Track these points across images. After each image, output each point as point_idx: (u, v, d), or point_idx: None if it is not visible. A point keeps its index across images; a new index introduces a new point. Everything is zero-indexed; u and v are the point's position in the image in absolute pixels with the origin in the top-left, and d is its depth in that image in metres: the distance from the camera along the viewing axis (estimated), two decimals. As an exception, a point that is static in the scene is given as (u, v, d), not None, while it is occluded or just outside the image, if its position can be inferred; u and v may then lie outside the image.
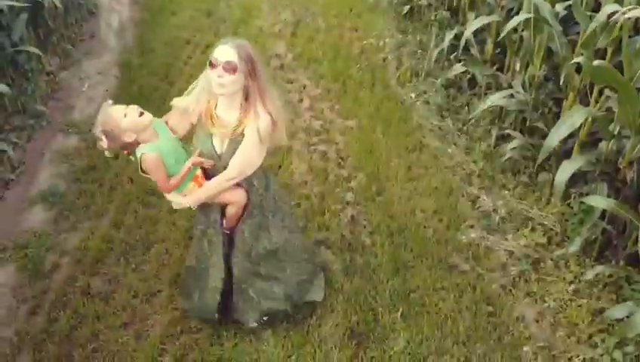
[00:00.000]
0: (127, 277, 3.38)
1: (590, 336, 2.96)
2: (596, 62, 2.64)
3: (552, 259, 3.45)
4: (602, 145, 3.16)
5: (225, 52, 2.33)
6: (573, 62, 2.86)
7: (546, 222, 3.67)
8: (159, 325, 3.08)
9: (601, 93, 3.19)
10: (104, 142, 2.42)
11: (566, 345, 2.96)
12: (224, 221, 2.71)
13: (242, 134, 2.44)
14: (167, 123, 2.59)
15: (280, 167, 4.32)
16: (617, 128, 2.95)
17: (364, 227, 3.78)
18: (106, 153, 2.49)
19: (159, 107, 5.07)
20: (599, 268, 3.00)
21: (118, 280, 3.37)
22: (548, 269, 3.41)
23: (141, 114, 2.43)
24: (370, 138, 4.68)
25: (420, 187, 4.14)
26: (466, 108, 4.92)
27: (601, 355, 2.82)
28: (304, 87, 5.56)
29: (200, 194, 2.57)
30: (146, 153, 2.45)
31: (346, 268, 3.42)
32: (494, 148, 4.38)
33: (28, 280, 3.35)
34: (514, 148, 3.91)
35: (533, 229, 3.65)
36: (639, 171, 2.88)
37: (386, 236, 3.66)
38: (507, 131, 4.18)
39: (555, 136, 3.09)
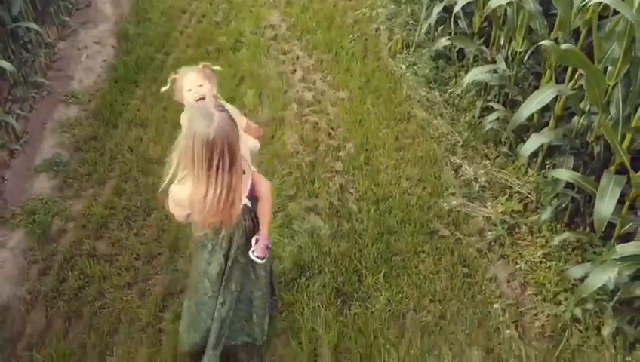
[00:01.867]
0: (129, 240, 3.63)
1: (555, 295, 3.24)
2: (564, 46, 2.81)
3: (526, 225, 3.69)
4: (575, 119, 3.36)
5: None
6: (542, 43, 3.03)
7: (522, 191, 3.90)
8: (160, 284, 3.34)
9: (575, 70, 3.37)
10: None
11: (533, 303, 3.24)
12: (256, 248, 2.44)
13: None
14: None
15: (272, 137, 4.51)
16: (587, 105, 3.15)
17: (352, 194, 4.01)
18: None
19: (155, 78, 5.30)
20: (565, 235, 3.25)
21: (121, 243, 3.62)
22: (522, 234, 3.66)
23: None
24: (361, 109, 4.86)
25: (406, 156, 4.35)
26: (454, 79, 5.07)
27: (564, 311, 3.10)
28: (297, 58, 5.70)
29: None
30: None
31: (334, 233, 3.67)
32: (478, 119, 4.57)
33: (37, 244, 3.59)
34: (494, 120, 4.10)
35: (510, 197, 3.89)
36: (605, 146, 3.09)
37: (372, 203, 3.90)
38: (490, 104, 4.37)
39: (525, 111, 3.28)
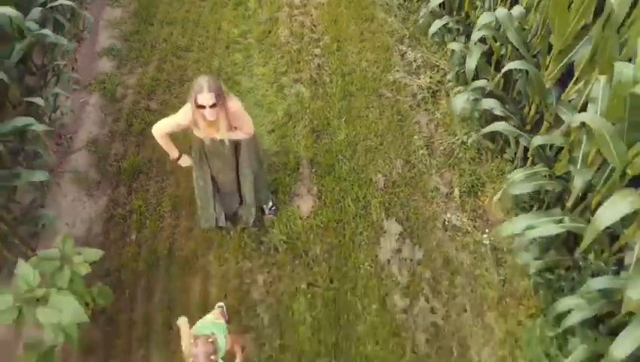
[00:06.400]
0: (171, 101, 5.29)
1: (457, 132, 4.96)
2: None
3: (444, 90, 5.36)
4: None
5: (207, 98, 3.21)
6: None
7: (446, 68, 5.52)
8: (196, 127, 5.03)
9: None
10: None
11: (440, 136, 4.98)
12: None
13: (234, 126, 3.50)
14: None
15: (270, 32, 6.06)
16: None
17: (326, 71, 5.63)
18: None
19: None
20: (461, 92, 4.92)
21: (166, 103, 5.28)
22: (441, 96, 5.33)
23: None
24: (336, 11, 6.36)
25: (367, 46, 5.92)
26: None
27: (458, 140, 4.84)
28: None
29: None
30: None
31: (312, 95, 5.34)
32: (421, 17, 6.08)
33: (109, 102, 5.26)
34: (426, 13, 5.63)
35: (437, 72, 5.52)
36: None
37: (340, 76, 5.53)
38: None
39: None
